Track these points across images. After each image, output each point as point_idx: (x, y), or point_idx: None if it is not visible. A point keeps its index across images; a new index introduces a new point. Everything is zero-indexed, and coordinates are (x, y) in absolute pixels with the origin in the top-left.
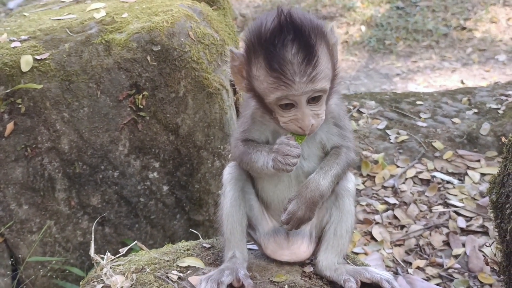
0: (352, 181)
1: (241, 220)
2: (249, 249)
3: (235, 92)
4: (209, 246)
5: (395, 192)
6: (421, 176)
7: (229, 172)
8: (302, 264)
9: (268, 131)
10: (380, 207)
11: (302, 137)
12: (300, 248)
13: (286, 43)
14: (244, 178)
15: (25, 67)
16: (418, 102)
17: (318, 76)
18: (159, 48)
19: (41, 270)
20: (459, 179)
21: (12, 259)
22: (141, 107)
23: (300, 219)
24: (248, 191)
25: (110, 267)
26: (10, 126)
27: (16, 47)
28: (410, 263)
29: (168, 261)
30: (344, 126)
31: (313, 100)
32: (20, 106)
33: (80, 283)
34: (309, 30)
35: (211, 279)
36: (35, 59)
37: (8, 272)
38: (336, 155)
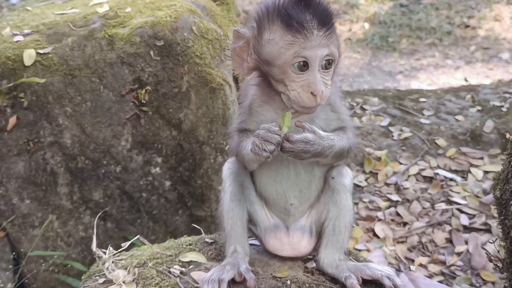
0: (348, 176)
1: (242, 215)
2: (251, 244)
3: (238, 88)
4: (211, 241)
5: (398, 189)
6: (424, 173)
7: (228, 167)
8: (304, 259)
9: (266, 121)
10: (383, 204)
11: (288, 119)
12: (301, 244)
13: (305, 8)
14: (244, 173)
15: (28, 61)
16: (421, 99)
17: (331, 37)
18: (162, 43)
19: (43, 265)
20: (462, 177)
21: (14, 254)
22: (144, 102)
23: (304, 151)
24: (247, 186)
25: (112, 262)
26: (12, 120)
27: (19, 41)
28: (413, 260)
29: (170, 255)
30: (342, 111)
31: (325, 67)
32: (22, 100)
33: (82, 277)
34: (325, 3)
35: (211, 279)
36: (38, 53)
37: (10, 267)
38: (344, 133)
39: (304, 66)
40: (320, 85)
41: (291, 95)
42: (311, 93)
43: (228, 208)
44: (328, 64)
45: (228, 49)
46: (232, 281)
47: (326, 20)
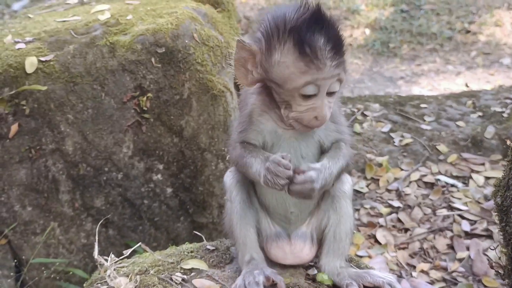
0: (348, 183)
1: (253, 223)
2: None
3: (239, 95)
4: (213, 248)
5: (399, 195)
6: (425, 179)
7: (232, 176)
8: (305, 266)
9: (266, 130)
10: (384, 210)
11: None
12: (303, 251)
13: (319, 31)
14: (248, 182)
15: (29, 69)
16: (422, 105)
17: (342, 64)
18: (164, 50)
19: (44, 272)
20: (464, 183)
21: (15, 261)
22: (145, 109)
23: (311, 190)
24: (252, 194)
25: (114, 269)
26: (14, 128)
27: (20, 48)
28: (414, 267)
29: (172, 263)
30: (341, 122)
31: (332, 91)
32: (24, 107)
33: (84, 285)
34: (337, 24)
35: (248, 282)
36: (39, 61)
37: (12, 274)
38: (339, 149)
39: (311, 95)
40: (326, 111)
41: (293, 114)
42: (315, 117)
43: (239, 216)
44: (336, 88)
45: (231, 59)
46: None
47: (339, 47)
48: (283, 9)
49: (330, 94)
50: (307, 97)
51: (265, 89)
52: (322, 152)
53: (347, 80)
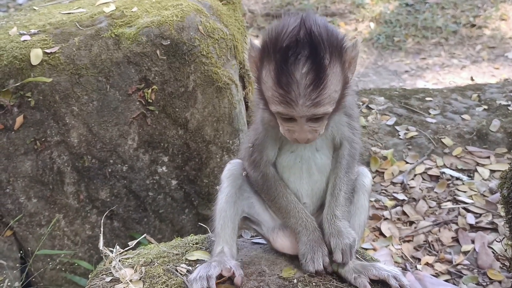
0: (368, 177)
1: (234, 217)
2: (257, 243)
3: (244, 87)
4: None
5: (404, 188)
6: (430, 172)
7: (229, 169)
8: None
9: (277, 136)
10: (389, 203)
11: None
12: None
13: (299, 59)
14: (243, 177)
15: (35, 61)
16: (427, 99)
17: (322, 102)
18: (169, 42)
19: (50, 263)
20: (469, 176)
21: (21, 252)
22: (150, 101)
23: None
24: (247, 189)
25: (119, 260)
26: (19, 120)
27: (26, 40)
28: (419, 259)
29: (177, 254)
30: (354, 115)
31: (315, 119)
32: (29, 99)
33: (89, 276)
34: (326, 48)
35: (199, 276)
36: (44, 53)
37: (17, 265)
38: (341, 167)
39: (291, 119)
40: (305, 136)
41: (280, 130)
42: (295, 139)
43: (221, 208)
44: (317, 118)
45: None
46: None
47: (319, 81)
48: (284, 24)
49: (313, 120)
50: (286, 120)
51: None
52: (335, 144)
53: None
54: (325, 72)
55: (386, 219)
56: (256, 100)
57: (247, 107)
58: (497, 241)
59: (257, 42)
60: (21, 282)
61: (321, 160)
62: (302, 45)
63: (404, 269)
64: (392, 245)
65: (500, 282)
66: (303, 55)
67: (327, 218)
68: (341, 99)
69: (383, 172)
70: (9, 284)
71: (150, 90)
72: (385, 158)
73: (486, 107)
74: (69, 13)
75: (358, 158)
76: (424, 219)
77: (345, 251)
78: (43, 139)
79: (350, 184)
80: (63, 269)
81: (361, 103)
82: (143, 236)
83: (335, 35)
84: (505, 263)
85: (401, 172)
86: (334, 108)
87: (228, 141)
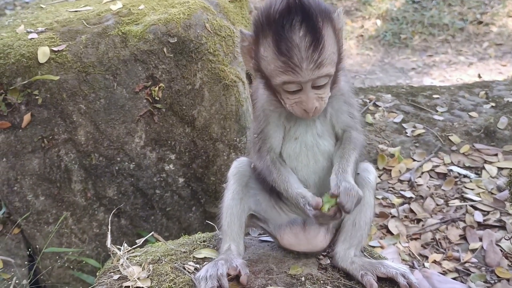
0: (373, 173)
1: (241, 215)
2: (265, 241)
3: (251, 85)
4: None
5: (412, 185)
6: (437, 170)
7: (235, 166)
8: (318, 256)
9: (283, 117)
10: (396, 200)
11: (331, 201)
12: (317, 238)
13: (294, 25)
14: (249, 175)
15: (42, 59)
16: (434, 96)
17: (324, 62)
18: (176, 40)
19: (57, 261)
20: (476, 173)
21: (29, 250)
22: (157, 99)
23: (354, 196)
24: (253, 186)
25: (127, 258)
26: (27, 118)
27: (33, 38)
28: (427, 257)
29: (184, 252)
30: (353, 104)
31: (318, 84)
32: (37, 97)
33: (97, 274)
34: (317, 13)
35: (209, 275)
36: (52, 51)
37: (25, 263)
38: (349, 142)
39: (296, 89)
40: (313, 104)
41: (287, 106)
42: (304, 109)
43: (228, 206)
44: (322, 82)
45: (238, 47)
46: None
47: (318, 42)
48: (271, 1)
49: (318, 87)
50: (291, 92)
51: (268, 85)
52: (335, 131)
53: (344, 70)
54: (321, 33)
55: (393, 217)
56: (255, 90)
57: (254, 105)
58: (505, 239)
59: (246, 31)
60: (29, 280)
61: (324, 147)
62: (294, 11)
63: (412, 267)
64: (400, 243)
65: (508, 280)
66: (297, 20)
67: (337, 171)
68: (339, 62)
69: (390, 170)
70: (17, 281)
71: (157, 88)
72: (392, 155)
73: (493, 104)
74: (76, 11)
75: (361, 147)
76: (431, 216)
77: (352, 195)
78: (50, 137)
79: (356, 163)
80: (70, 266)
81: (368, 101)
82: (150, 234)
83: (321, 2)
84: None
85: (408, 169)
86: (335, 71)
87: (235, 138)
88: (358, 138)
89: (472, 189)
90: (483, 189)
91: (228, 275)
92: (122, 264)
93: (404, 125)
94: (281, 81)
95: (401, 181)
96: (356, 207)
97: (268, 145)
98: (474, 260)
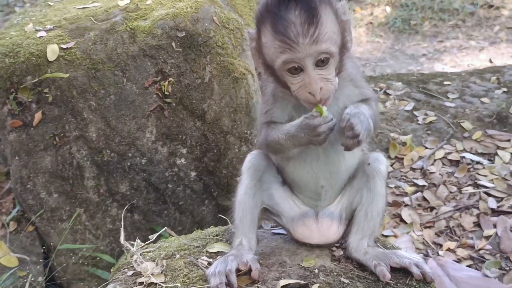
0: (384, 163)
1: (253, 209)
2: (278, 233)
3: (260, 77)
4: None
5: (424, 173)
6: (450, 157)
7: (249, 160)
8: (331, 248)
9: (290, 106)
10: (409, 189)
11: (321, 110)
12: (330, 230)
13: (290, 5)
14: (263, 169)
15: (51, 57)
16: (445, 82)
17: (321, 37)
18: (184, 34)
19: (72, 258)
20: (489, 159)
21: (43, 247)
22: (167, 93)
23: (361, 122)
24: (267, 180)
25: (140, 254)
26: (38, 116)
27: (42, 36)
28: (441, 245)
29: (197, 247)
30: (363, 86)
31: (322, 63)
32: (47, 95)
33: (111, 270)
34: None
35: (218, 271)
36: (61, 48)
37: (40, 260)
38: (367, 104)
39: (297, 69)
40: (317, 85)
41: (294, 94)
42: (309, 92)
43: (241, 200)
44: (323, 61)
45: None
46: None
47: (313, 17)
48: None
49: (320, 66)
50: (294, 74)
51: (277, 79)
52: None
53: (351, 56)
54: (317, 10)
55: (406, 205)
56: (265, 79)
57: None
58: None
59: (252, 30)
60: (45, 277)
61: (336, 140)
62: None
63: (426, 255)
64: (413, 231)
65: None
66: (292, 1)
67: (351, 107)
68: (344, 46)
69: (402, 158)
70: (32, 279)
71: (166, 83)
72: (404, 144)
73: (505, 89)
74: (84, 7)
75: (376, 110)
76: (445, 204)
77: (362, 120)
78: (62, 135)
79: (371, 118)
80: (85, 263)
81: (378, 89)
82: (163, 229)
83: None
84: None
85: (420, 157)
86: (339, 53)
87: (245, 131)
88: (373, 104)
89: (485, 176)
90: (496, 175)
91: (239, 270)
92: (136, 260)
93: (415, 112)
94: (281, 62)
95: (413, 169)
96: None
97: (270, 118)
98: (488, 247)
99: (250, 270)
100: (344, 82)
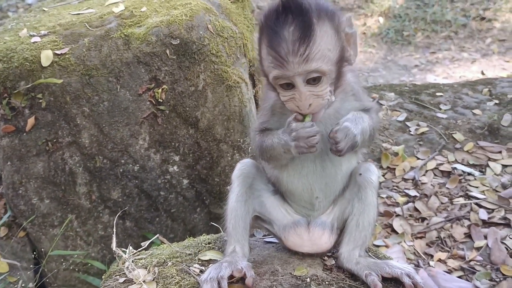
0: (375, 173)
1: (245, 216)
2: (270, 242)
3: (254, 85)
4: None
5: (416, 184)
6: (441, 168)
7: (239, 168)
8: (323, 257)
9: (288, 116)
10: (400, 199)
11: (306, 117)
12: (321, 239)
13: (286, 21)
14: (253, 176)
15: (45, 62)
16: (438, 94)
17: (312, 57)
18: (178, 42)
19: (63, 264)
20: (480, 171)
21: (34, 253)
22: (161, 100)
23: (353, 136)
24: (257, 188)
25: (132, 261)
26: (31, 121)
27: (36, 42)
28: (432, 256)
29: (189, 254)
30: (365, 99)
31: (313, 81)
32: (41, 101)
33: (103, 277)
34: (312, 10)
35: (210, 278)
36: (55, 54)
37: (31, 266)
38: (368, 113)
39: (289, 85)
40: (306, 101)
41: (286, 105)
42: (297, 106)
43: (232, 208)
44: (314, 79)
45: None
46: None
47: (306, 36)
48: (273, 1)
49: (312, 84)
50: (286, 89)
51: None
52: None
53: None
54: (311, 27)
55: (398, 215)
56: (265, 93)
57: (257, 106)
58: (510, 237)
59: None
60: (35, 283)
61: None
62: (288, 9)
63: (417, 266)
64: (405, 241)
65: None
66: (289, 16)
67: (347, 117)
68: (340, 63)
69: (394, 168)
70: (23, 285)
71: (160, 90)
72: (396, 154)
73: (497, 101)
74: (79, 13)
75: (376, 119)
76: (436, 215)
77: (348, 136)
78: (54, 140)
79: (370, 127)
80: (76, 269)
81: (371, 99)
82: (155, 236)
83: (324, 3)
84: None
85: (412, 168)
86: (335, 70)
87: (239, 139)
88: (374, 114)
89: (476, 187)
90: (488, 186)
91: (233, 277)
92: (127, 267)
93: (407, 123)
94: (272, 77)
95: (405, 180)
96: (348, 151)
97: (266, 126)
98: (479, 258)
99: (244, 277)
100: (346, 96)
